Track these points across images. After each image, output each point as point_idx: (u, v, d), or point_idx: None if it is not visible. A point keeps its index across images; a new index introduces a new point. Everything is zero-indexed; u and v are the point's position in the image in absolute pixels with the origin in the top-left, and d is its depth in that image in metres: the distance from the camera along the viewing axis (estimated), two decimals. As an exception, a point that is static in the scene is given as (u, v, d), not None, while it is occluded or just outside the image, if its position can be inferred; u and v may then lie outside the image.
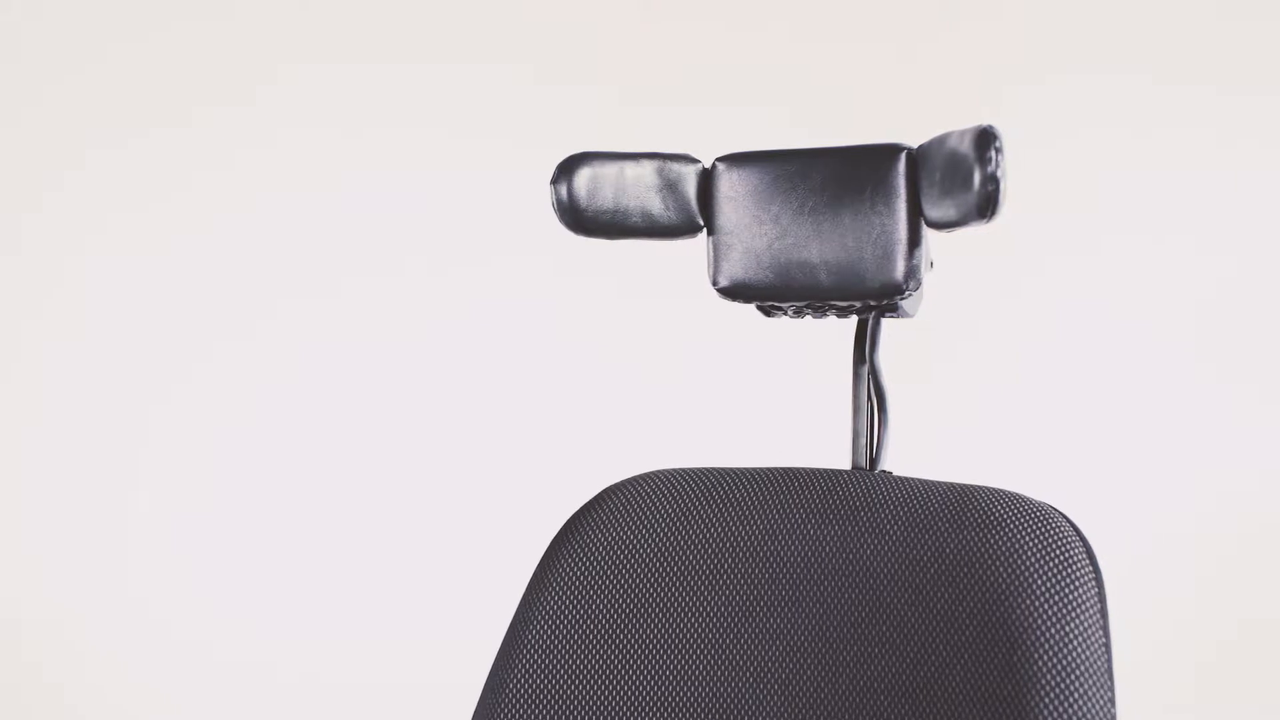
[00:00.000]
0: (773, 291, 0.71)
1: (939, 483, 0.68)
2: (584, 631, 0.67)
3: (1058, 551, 0.61)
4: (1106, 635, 0.59)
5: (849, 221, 0.68)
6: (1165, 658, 1.64)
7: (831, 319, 0.76)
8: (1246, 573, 1.67)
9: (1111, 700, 0.57)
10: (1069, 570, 0.60)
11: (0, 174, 1.72)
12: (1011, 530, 0.62)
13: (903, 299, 0.69)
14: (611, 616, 0.67)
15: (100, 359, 1.73)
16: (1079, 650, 0.57)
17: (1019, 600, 0.59)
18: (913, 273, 0.68)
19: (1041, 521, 0.63)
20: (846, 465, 0.76)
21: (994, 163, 0.59)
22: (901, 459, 0.80)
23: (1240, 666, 1.67)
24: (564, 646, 0.67)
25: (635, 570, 0.68)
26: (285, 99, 1.74)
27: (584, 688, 0.65)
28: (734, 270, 0.71)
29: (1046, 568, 0.60)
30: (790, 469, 0.71)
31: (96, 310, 1.73)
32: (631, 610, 0.67)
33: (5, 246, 1.73)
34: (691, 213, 0.72)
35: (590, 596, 0.67)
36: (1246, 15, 1.66)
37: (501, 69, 1.76)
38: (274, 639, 1.74)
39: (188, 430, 1.74)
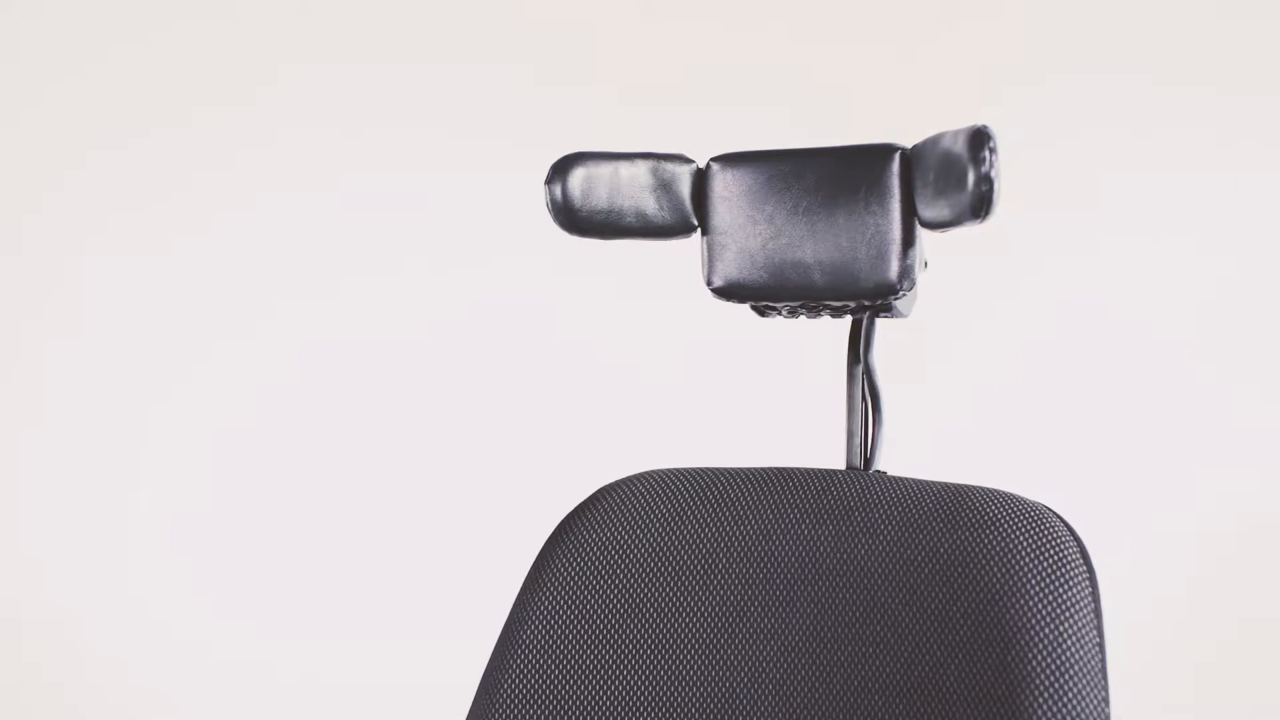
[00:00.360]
0: (767, 292, 0.70)
1: (933, 483, 0.68)
2: (578, 632, 0.67)
3: (1052, 551, 0.61)
4: (1101, 635, 0.59)
5: (843, 221, 0.68)
6: (1165, 658, 1.64)
7: (826, 319, 0.76)
8: (1246, 573, 1.67)
9: (1105, 700, 0.56)
10: (1063, 570, 0.60)
11: (0, 174, 1.72)
12: (1006, 530, 0.62)
13: (897, 299, 0.69)
14: (606, 616, 0.67)
15: (100, 359, 1.73)
16: (1073, 650, 0.57)
17: (1013, 600, 0.59)
18: (907, 273, 0.68)
19: (1036, 521, 0.63)
20: (841, 465, 0.76)
21: (988, 163, 0.59)
22: (896, 459, 0.80)
23: (1240, 666, 1.67)
24: (558, 646, 0.66)
25: (629, 570, 0.68)
26: (285, 99, 1.74)
27: (578, 688, 0.65)
28: (728, 270, 0.71)
29: (1040, 568, 0.60)
30: (785, 469, 0.71)
31: (96, 310, 1.73)
32: (626, 610, 0.66)
33: (5, 246, 1.73)
34: (686, 213, 0.72)
35: (584, 596, 0.67)
36: (1246, 15, 1.65)
37: (501, 69, 1.76)
38: (274, 639, 1.74)
39: (188, 430, 1.75)
